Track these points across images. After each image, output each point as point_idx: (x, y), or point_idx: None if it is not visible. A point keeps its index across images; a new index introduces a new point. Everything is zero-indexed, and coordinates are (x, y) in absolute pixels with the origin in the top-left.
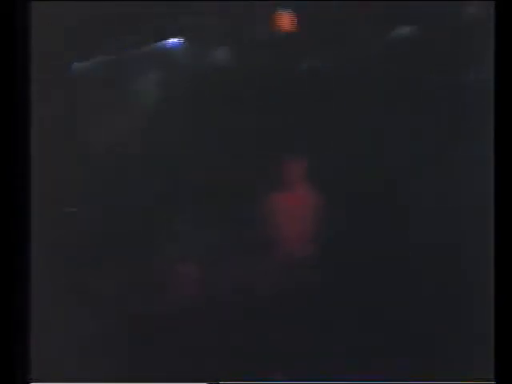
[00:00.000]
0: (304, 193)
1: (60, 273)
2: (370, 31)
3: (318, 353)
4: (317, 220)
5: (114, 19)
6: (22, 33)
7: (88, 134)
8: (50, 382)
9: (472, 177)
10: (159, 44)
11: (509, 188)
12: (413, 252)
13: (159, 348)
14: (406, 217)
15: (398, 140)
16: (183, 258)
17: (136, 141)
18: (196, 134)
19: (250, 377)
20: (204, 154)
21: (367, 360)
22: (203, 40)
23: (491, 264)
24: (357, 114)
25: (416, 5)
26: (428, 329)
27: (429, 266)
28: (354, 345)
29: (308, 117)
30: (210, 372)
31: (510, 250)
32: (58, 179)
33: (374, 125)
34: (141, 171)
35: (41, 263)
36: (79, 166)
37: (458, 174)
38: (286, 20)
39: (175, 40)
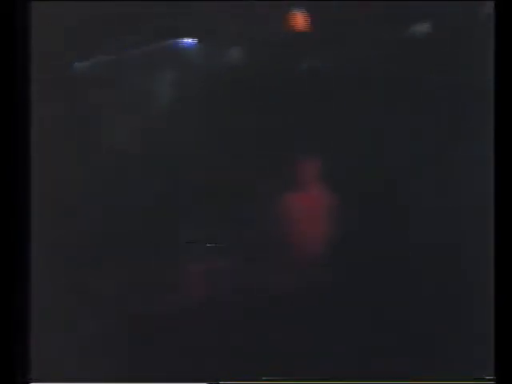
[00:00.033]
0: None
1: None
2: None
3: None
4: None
5: (114, 19)
6: (22, 33)
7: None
8: (50, 382)
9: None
10: (172, 44)
11: (509, 188)
12: (413, 252)
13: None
14: (406, 217)
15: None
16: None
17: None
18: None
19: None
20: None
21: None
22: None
23: (491, 264)
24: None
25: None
26: (432, 328)
27: (431, 265)
28: (367, 344)
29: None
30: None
31: (510, 250)
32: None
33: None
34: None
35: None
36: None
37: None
38: (299, 20)
39: (188, 40)
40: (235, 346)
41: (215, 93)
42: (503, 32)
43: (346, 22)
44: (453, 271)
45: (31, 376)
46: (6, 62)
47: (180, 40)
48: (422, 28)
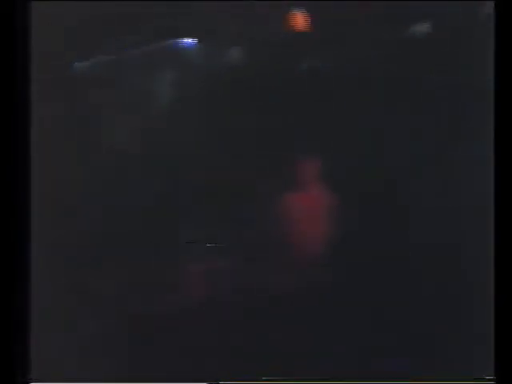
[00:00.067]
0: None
1: None
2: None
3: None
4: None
5: (114, 19)
6: (22, 33)
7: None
8: (50, 382)
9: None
10: (172, 44)
11: (509, 188)
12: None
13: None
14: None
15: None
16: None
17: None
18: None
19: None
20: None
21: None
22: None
23: (491, 264)
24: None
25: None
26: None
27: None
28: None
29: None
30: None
31: (510, 250)
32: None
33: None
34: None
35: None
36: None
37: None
38: (299, 19)
39: (188, 40)
40: (235, 345)
41: (215, 93)
42: (503, 32)
43: (345, 21)
44: (453, 271)
45: (31, 376)
46: (6, 62)
47: (180, 40)
48: (422, 28)
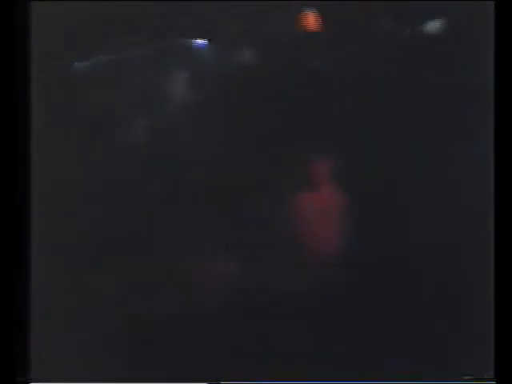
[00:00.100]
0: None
1: None
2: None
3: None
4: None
5: (114, 19)
6: (22, 33)
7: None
8: (50, 382)
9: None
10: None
11: (509, 188)
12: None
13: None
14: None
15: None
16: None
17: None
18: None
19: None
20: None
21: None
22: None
23: (491, 264)
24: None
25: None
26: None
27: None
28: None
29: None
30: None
31: (510, 250)
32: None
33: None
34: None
35: None
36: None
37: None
38: (311, 20)
39: (200, 41)
40: (235, 345)
41: (219, 93)
42: (503, 32)
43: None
44: (453, 271)
45: (31, 376)
46: (6, 62)
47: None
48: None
